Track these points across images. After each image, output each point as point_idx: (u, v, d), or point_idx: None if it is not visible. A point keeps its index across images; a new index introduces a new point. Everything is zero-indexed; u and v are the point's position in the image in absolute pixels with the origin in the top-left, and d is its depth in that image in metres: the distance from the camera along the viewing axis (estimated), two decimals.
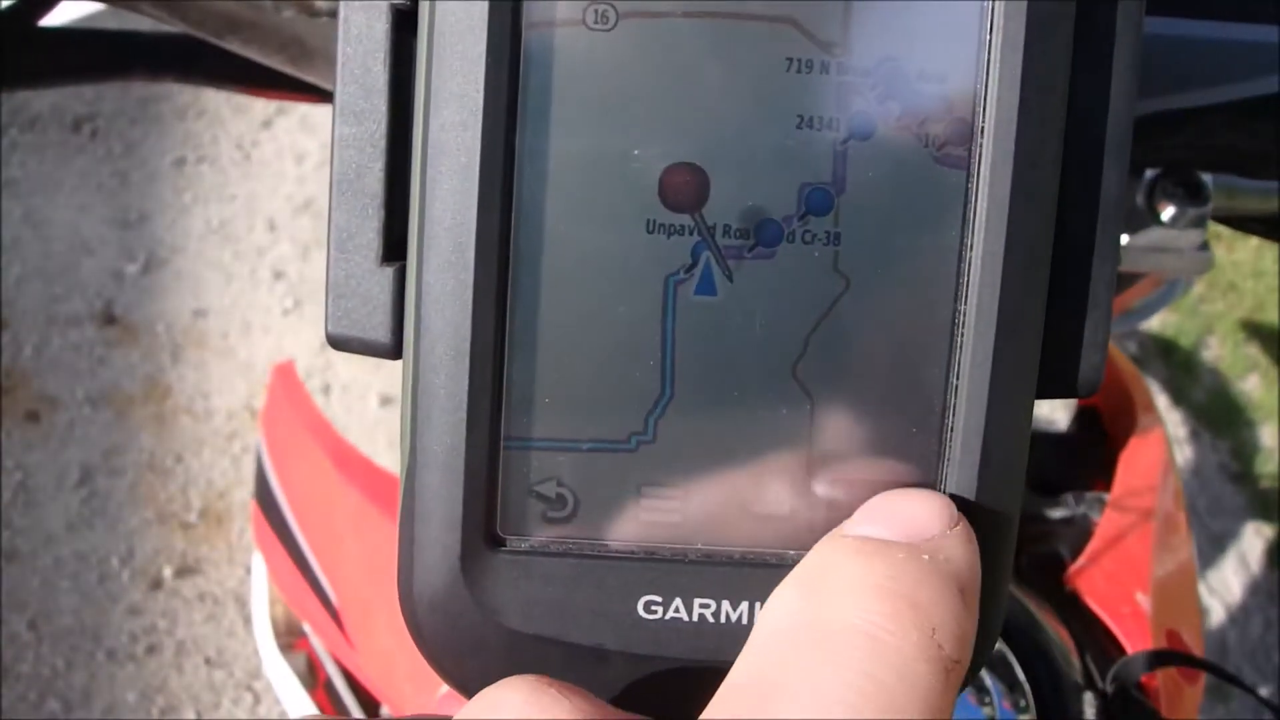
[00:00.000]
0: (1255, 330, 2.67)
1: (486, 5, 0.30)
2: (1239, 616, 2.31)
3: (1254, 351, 2.65)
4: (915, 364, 0.32)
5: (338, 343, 0.33)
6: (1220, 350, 2.66)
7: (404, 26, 0.32)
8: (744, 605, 0.32)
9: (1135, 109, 0.44)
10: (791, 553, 0.32)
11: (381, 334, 0.33)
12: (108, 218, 2.47)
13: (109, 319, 2.37)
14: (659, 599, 0.32)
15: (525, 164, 0.31)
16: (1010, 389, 0.32)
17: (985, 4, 0.31)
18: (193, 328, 2.39)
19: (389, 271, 0.32)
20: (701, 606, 0.32)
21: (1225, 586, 2.34)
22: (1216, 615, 2.30)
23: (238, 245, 2.48)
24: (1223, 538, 2.41)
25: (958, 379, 0.32)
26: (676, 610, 0.32)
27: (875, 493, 0.32)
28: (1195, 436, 2.53)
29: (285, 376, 1.23)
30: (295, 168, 2.57)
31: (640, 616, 0.32)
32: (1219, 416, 2.57)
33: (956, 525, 0.30)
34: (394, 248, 0.33)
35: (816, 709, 0.25)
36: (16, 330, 2.33)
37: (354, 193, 0.32)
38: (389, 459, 2.06)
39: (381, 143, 0.32)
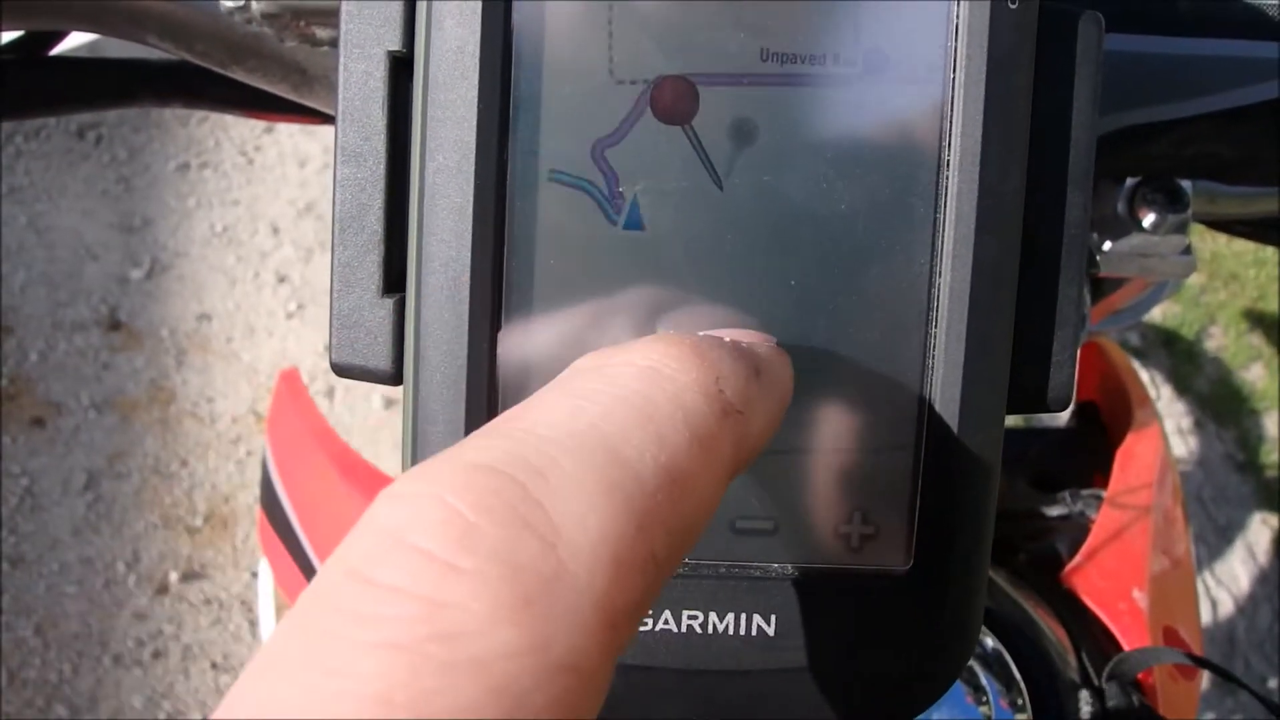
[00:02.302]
0: (1258, 319, 2.67)
1: (478, 53, 0.31)
2: (1247, 607, 2.31)
3: (1257, 340, 2.65)
4: (890, 384, 0.33)
5: (342, 370, 0.34)
6: (1223, 340, 2.66)
7: (401, 72, 0.33)
8: (730, 617, 0.33)
9: (1115, 123, 0.46)
10: (775, 566, 0.34)
11: (383, 362, 0.34)
12: (112, 223, 2.47)
13: (113, 324, 2.38)
14: (649, 612, 0.33)
15: (516, 203, 0.32)
16: (981, 407, 0.33)
17: (949, 27, 0.32)
18: (197, 332, 2.39)
19: (389, 303, 0.34)
20: (689, 618, 0.33)
21: (1232, 577, 2.34)
22: (1224, 606, 2.30)
23: (241, 249, 2.49)
24: (1229, 528, 2.41)
25: (931, 400, 0.33)
26: (665, 622, 0.33)
27: (853, 505, 0.34)
28: (1199, 427, 2.53)
29: (290, 383, 1.24)
30: (298, 172, 2.57)
31: None
32: (1223, 406, 2.57)
33: (773, 343, 0.30)
34: (394, 280, 0.34)
35: (568, 411, 0.25)
36: (22, 336, 2.34)
37: (355, 230, 0.34)
38: (393, 461, 2.06)
39: (380, 183, 0.34)
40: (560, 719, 0.20)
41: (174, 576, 2.17)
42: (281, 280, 2.46)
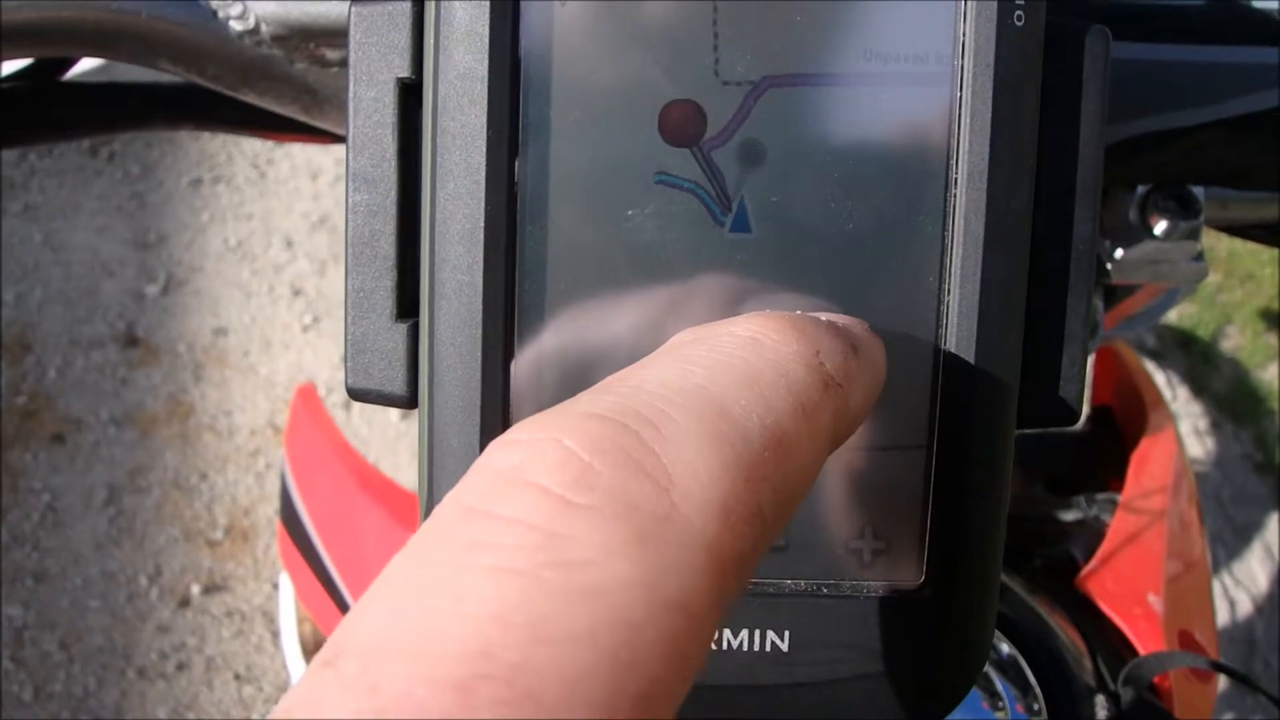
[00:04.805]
0: (1275, 318, 2.66)
1: (486, 79, 0.31)
2: (1265, 607, 2.30)
3: (1274, 340, 2.64)
4: (900, 401, 0.33)
5: (358, 395, 0.35)
6: (1240, 340, 2.65)
7: (410, 98, 0.34)
8: (744, 633, 0.34)
9: (1126, 131, 0.46)
10: (788, 583, 0.34)
11: (398, 386, 0.35)
12: (127, 239, 2.49)
13: (131, 340, 2.39)
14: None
15: (526, 228, 0.32)
16: (990, 424, 0.33)
17: (955, 45, 0.32)
18: (213, 346, 2.40)
19: (403, 328, 0.34)
20: None
21: (1251, 578, 2.33)
22: (1243, 607, 2.29)
23: (255, 263, 2.50)
24: (1247, 528, 2.40)
25: (941, 417, 0.33)
26: None
27: (864, 521, 0.34)
28: (1217, 427, 2.53)
29: (306, 399, 1.25)
30: (310, 184, 2.59)
31: None
32: (1240, 406, 2.56)
33: (866, 326, 0.31)
34: (407, 305, 0.34)
35: (676, 372, 0.26)
36: (40, 353, 2.35)
37: (369, 256, 0.34)
38: (411, 472, 2.07)
39: (392, 209, 0.34)
40: (669, 657, 0.21)
41: (196, 589, 2.17)
42: (296, 293, 2.46)
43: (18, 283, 2.41)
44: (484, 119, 0.32)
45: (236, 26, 0.47)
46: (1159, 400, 1.14)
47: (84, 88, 0.60)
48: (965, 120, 0.32)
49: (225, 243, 2.51)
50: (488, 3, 0.31)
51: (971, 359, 0.33)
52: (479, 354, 0.32)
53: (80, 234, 2.48)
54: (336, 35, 0.48)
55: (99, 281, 2.44)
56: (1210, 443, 2.51)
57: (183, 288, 2.45)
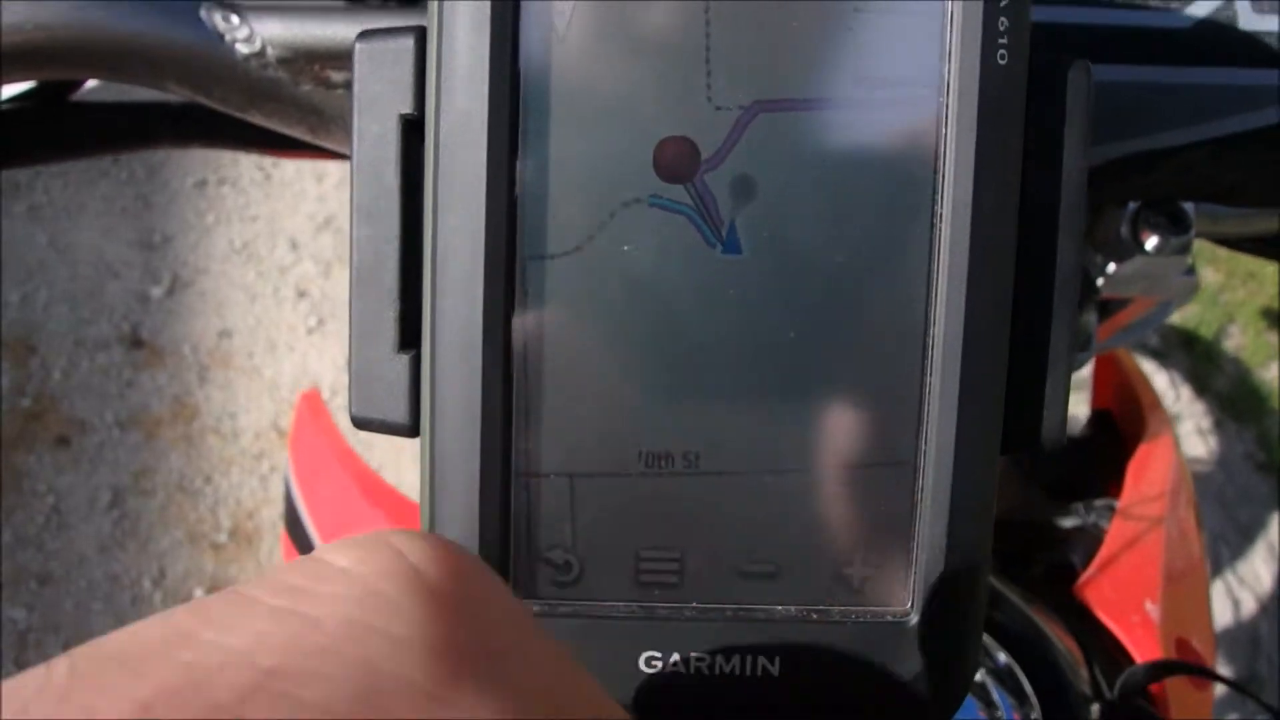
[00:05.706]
0: (1277, 318, 2.66)
1: (487, 120, 0.32)
2: (1270, 607, 2.30)
3: (1275, 339, 2.64)
4: (887, 431, 0.34)
5: (361, 424, 0.36)
6: (1242, 339, 2.65)
7: (413, 133, 0.35)
8: (735, 658, 0.35)
9: (1117, 150, 0.47)
10: (779, 608, 0.35)
11: (400, 415, 0.35)
12: (132, 241, 2.49)
13: (136, 341, 2.39)
14: (659, 654, 0.34)
15: (526, 263, 0.33)
16: (975, 447, 0.34)
17: (941, 83, 0.33)
18: (218, 348, 2.41)
19: (405, 358, 0.35)
20: (697, 660, 0.34)
21: (1255, 577, 2.33)
22: (1246, 606, 2.29)
23: (261, 265, 2.50)
24: (1251, 528, 2.40)
25: (926, 442, 0.34)
26: (675, 664, 0.34)
27: (853, 548, 0.35)
28: (1220, 426, 2.53)
29: (311, 404, 1.25)
30: (315, 187, 2.59)
31: (641, 670, 0.34)
32: (1243, 405, 2.56)
33: None
34: (410, 336, 0.35)
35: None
36: (45, 355, 2.35)
37: (372, 287, 0.35)
38: (413, 478, 2.07)
39: (395, 241, 0.35)
40: None
41: (199, 593, 2.17)
42: (301, 295, 2.47)
43: (22, 284, 2.41)
44: (484, 156, 0.33)
45: (243, 50, 0.48)
46: (1157, 405, 1.14)
47: (91, 107, 0.61)
48: (950, 155, 0.33)
49: (230, 244, 2.51)
50: (488, 40, 0.32)
51: (957, 386, 0.33)
52: (479, 385, 0.33)
53: (85, 235, 2.48)
54: (341, 57, 0.48)
55: (104, 283, 2.44)
56: (1213, 442, 2.51)
57: (188, 289, 2.46)
